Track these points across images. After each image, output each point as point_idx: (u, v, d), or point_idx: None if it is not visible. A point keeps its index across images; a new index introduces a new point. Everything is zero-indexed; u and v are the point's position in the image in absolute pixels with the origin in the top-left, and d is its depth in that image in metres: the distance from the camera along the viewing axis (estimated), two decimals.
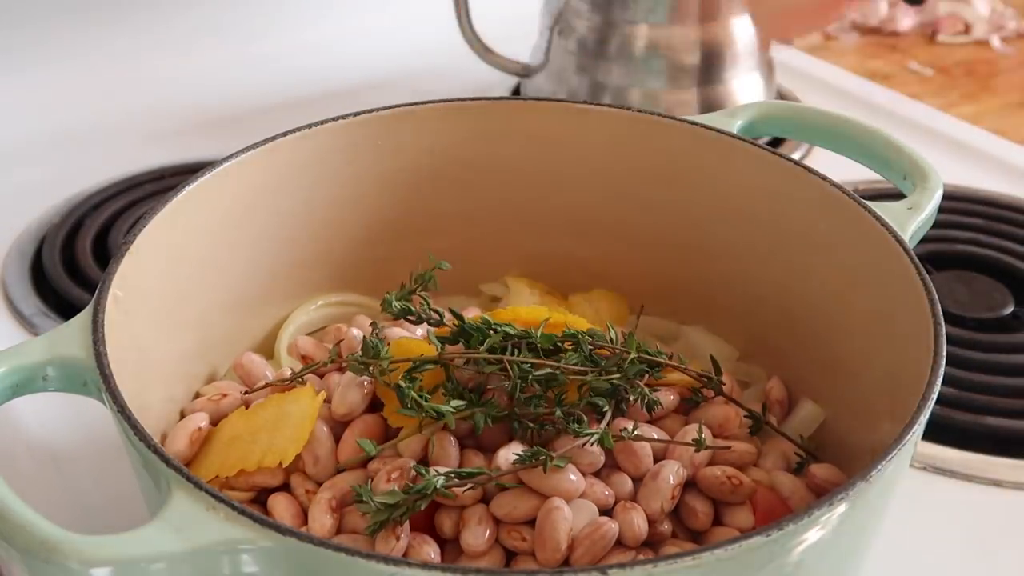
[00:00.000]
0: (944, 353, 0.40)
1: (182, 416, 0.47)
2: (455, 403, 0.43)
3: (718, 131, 0.54)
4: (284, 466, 0.43)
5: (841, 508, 0.35)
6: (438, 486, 0.40)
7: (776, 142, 0.79)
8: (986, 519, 0.54)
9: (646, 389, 0.45)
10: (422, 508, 0.40)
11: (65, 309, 0.65)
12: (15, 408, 0.45)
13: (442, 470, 0.41)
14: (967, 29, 1.12)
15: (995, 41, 1.11)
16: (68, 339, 0.40)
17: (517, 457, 0.41)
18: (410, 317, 0.47)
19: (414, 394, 0.42)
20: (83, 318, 0.41)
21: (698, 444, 0.43)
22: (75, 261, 0.69)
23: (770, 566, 0.34)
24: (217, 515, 0.34)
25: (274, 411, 0.44)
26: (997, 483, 0.56)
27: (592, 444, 0.42)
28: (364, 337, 0.45)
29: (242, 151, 0.51)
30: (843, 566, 0.39)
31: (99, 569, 0.32)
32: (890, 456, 0.36)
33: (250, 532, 0.33)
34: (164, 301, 0.48)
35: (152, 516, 0.34)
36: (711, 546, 0.33)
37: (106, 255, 0.70)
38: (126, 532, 0.33)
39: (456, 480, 0.41)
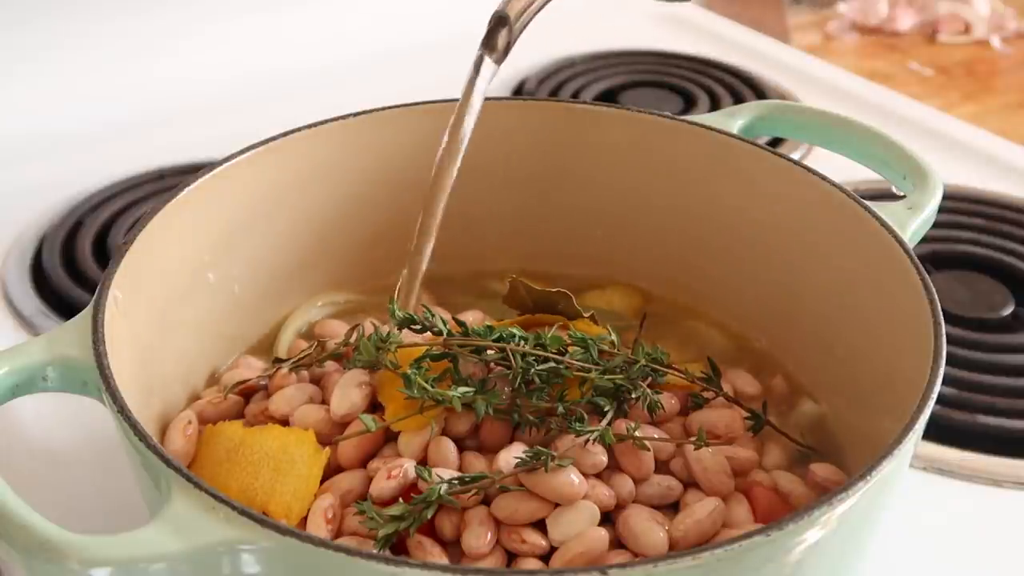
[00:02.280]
0: (944, 353, 0.40)
1: None
2: (461, 389, 0.43)
3: (718, 131, 0.54)
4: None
5: (841, 508, 0.35)
6: (442, 493, 0.40)
7: (776, 142, 0.79)
8: (986, 519, 0.54)
9: (649, 391, 0.45)
10: (428, 517, 0.40)
11: (65, 309, 0.65)
12: (15, 408, 0.45)
13: (444, 475, 0.41)
14: (967, 29, 1.12)
15: (995, 41, 1.11)
16: (68, 339, 0.40)
17: (519, 460, 0.41)
18: (414, 326, 0.47)
19: (420, 380, 0.43)
20: (83, 318, 0.41)
21: (699, 441, 0.43)
22: (75, 261, 0.69)
23: (770, 566, 0.34)
24: (217, 515, 0.34)
25: (276, 444, 0.43)
26: (997, 483, 0.55)
27: (593, 441, 0.42)
28: (369, 334, 0.46)
29: (242, 152, 0.51)
30: (843, 566, 0.39)
31: (99, 569, 0.32)
32: (890, 456, 0.36)
33: (250, 532, 0.33)
34: (164, 301, 0.48)
35: (152, 516, 0.34)
36: (711, 546, 0.33)
37: (106, 255, 0.70)
38: (126, 532, 0.33)
39: (459, 486, 0.41)
